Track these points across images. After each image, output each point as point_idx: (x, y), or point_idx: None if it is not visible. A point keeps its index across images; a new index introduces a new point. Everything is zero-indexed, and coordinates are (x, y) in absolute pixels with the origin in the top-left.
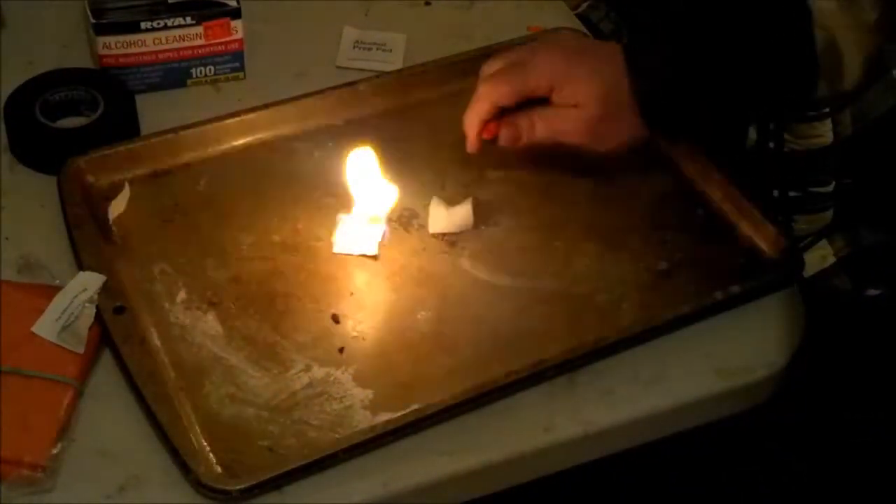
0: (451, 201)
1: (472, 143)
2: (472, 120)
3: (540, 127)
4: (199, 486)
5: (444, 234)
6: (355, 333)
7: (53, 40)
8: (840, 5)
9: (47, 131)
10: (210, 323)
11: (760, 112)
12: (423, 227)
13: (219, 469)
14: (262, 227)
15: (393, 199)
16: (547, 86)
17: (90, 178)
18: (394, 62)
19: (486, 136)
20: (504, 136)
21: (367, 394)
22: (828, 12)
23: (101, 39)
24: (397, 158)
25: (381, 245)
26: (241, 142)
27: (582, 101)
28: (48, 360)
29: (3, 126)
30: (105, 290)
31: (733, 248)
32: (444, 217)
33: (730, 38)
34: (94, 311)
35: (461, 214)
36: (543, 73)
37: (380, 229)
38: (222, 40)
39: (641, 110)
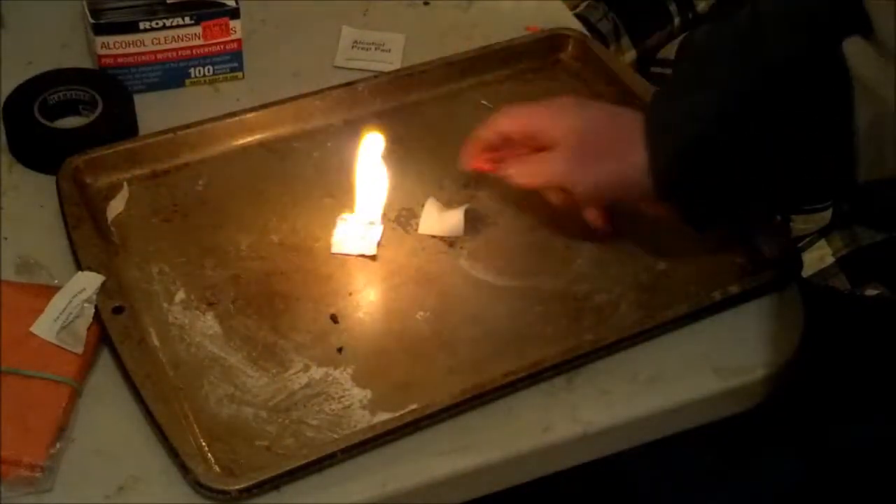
0: (449, 202)
1: (465, 163)
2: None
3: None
4: (197, 485)
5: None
6: (354, 333)
7: (52, 40)
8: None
9: (46, 131)
10: (208, 323)
11: (785, 200)
12: None
13: (217, 469)
14: (260, 227)
15: (383, 197)
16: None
17: (89, 178)
18: (392, 62)
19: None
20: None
21: (365, 394)
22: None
23: (100, 39)
24: (396, 158)
25: (379, 245)
26: (239, 142)
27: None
28: (47, 360)
29: (1, 126)
30: (104, 290)
31: (732, 248)
32: (436, 220)
33: (758, 115)
34: (93, 311)
35: (452, 220)
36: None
37: (377, 229)
38: (221, 40)
39: (656, 186)
